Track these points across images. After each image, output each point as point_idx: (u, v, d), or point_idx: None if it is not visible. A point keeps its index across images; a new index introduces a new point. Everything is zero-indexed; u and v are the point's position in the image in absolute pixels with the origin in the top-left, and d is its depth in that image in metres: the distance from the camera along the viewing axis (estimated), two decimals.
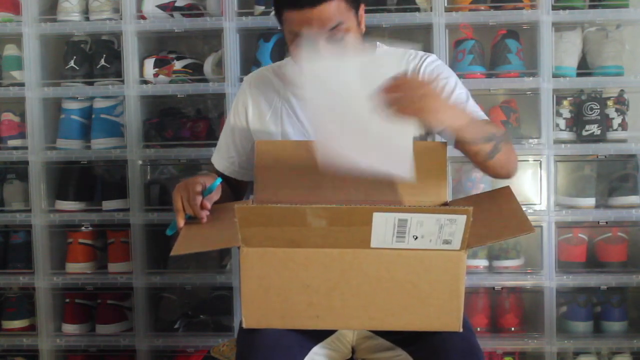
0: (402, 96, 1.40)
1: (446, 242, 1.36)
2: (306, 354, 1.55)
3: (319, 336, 1.59)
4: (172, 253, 1.45)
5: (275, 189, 1.66)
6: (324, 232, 1.36)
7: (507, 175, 1.68)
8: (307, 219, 1.34)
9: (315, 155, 1.55)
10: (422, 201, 1.64)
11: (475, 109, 1.73)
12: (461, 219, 1.31)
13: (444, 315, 1.42)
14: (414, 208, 1.33)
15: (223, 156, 1.90)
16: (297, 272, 1.42)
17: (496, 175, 1.68)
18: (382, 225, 1.34)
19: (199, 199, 1.57)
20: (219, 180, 1.61)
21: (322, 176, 1.62)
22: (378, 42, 1.85)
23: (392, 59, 1.64)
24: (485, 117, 1.73)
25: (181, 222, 1.58)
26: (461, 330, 1.44)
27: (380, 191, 1.62)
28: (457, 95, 1.73)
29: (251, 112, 1.84)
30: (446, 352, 1.44)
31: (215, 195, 1.63)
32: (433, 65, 1.77)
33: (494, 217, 1.50)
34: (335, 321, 1.46)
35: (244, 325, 1.48)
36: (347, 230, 1.36)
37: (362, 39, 1.73)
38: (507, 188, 1.61)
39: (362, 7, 1.73)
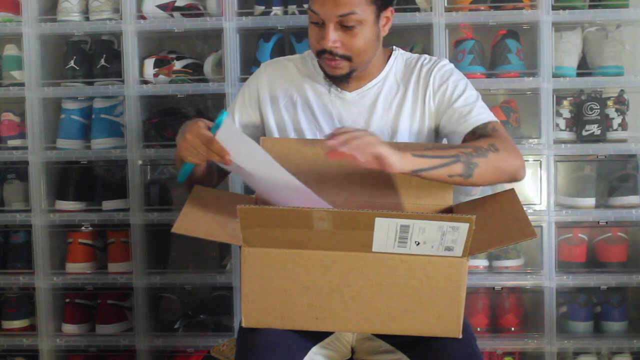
0: (345, 139, 1.46)
1: (448, 248, 1.36)
2: (305, 353, 1.55)
3: (318, 336, 1.58)
4: (173, 230, 1.44)
5: None
6: (326, 234, 1.36)
7: (512, 180, 1.66)
8: (312, 222, 1.34)
9: (318, 153, 1.56)
10: (426, 204, 1.64)
11: (481, 111, 1.72)
12: (464, 227, 1.32)
13: (444, 321, 1.42)
14: (416, 214, 1.33)
15: None
16: (298, 273, 1.42)
17: (496, 182, 1.68)
18: (384, 230, 1.34)
19: (213, 141, 1.51)
20: (225, 114, 1.52)
21: (326, 175, 1.62)
22: (394, 46, 1.85)
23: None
24: (490, 120, 1.72)
25: (195, 161, 1.55)
26: (461, 336, 1.44)
27: (385, 193, 1.62)
28: (467, 97, 1.74)
29: (264, 95, 1.83)
30: (447, 359, 1.45)
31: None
32: (444, 69, 1.78)
33: (497, 222, 1.50)
34: (335, 323, 1.46)
35: (243, 324, 1.49)
36: (349, 234, 1.36)
37: (378, 40, 1.73)
38: (512, 191, 1.61)
39: (390, 10, 1.73)
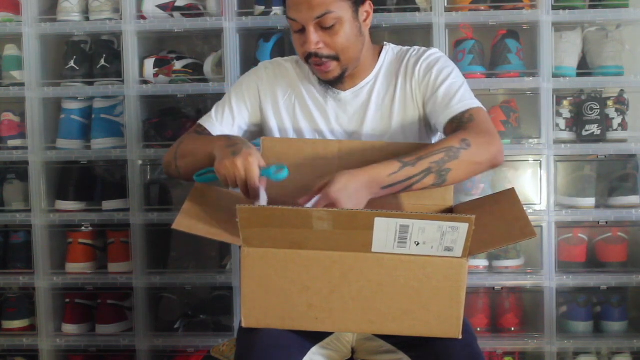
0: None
1: (448, 249, 1.35)
2: (305, 353, 1.55)
3: (318, 336, 1.59)
4: (173, 226, 1.44)
5: (278, 187, 1.65)
6: (326, 234, 1.36)
7: (491, 168, 1.65)
8: (312, 222, 1.34)
9: (319, 153, 1.55)
10: (427, 205, 1.64)
11: (461, 99, 1.69)
12: (463, 227, 1.31)
13: (444, 322, 1.42)
14: (416, 214, 1.33)
15: (223, 124, 1.84)
16: (298, 273, 1.42)
17: (475, 175, 1.67)
18: (384, 230, 1.34)
19: (255, 186, 1.52)
20: (286, 172, 1.54)
21: (328, 176, 1.62)
22: (385, 42, 1.86)
23: None
24: (474, 106, 1.69)
25: (224, 184, 1.54)
26: (461, 337, 1.44)
27: None
28: (449, 85, 1.72)
29: (265, 94, 1.83)
30: (449, 359, 1.45)
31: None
32: (430, 59, 1.77)
33: (497, 222, 1.49)
34: (335, 324, 1.46)
35: (243, 325, 1.48)
36: (349, 234, 1.36)
37: (363, 35, 1.73)
38: (512, 190, 1.60)
39: (369, 4, 1.74)
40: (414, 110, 1.76)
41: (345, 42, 1.68)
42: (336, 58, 1.69)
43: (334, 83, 1.76)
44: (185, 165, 1.71)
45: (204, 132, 1.81)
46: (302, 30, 1.67)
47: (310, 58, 1.69)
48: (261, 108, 1.83)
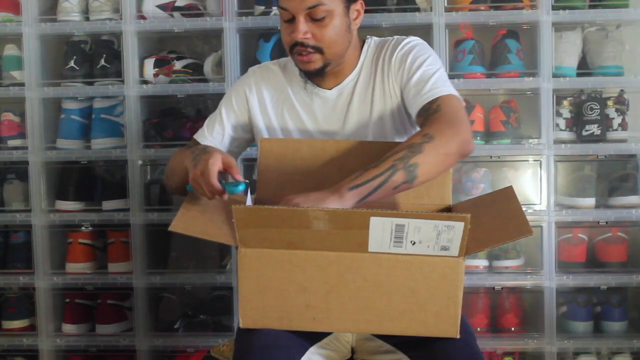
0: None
1: (444, 248, 1.35)
2: (304, 353, 1.55)
3: (316, 336, 1.59)
4: (170, 229, 1.44)
5: (277, 188, 1.66)
6: (322, 234, 1.36)
7: (462, 157, 1.61)
8: (308, 222, 1.34)
9: (316, 153, 1.56)
10: (425, 204, 1.64)
11: (431, 88, 1.67)
12: (459, 226, 1.31)
13: (441, 321, 1.42)
14: (411, 213, 1.33)
15: (213, 135, 1.85)
16: (295, 274, 1.42)
17: (449, 167, 1.64)
18: (380, 229, 1.34)
19: (213, 187, 1.53)
20: (242, 187, 1.55)
21: (325, 175, 1.62)
22: (368, 36, 1.86)
23: None
24: (443, 94, 1.66)
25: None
26: (458, 336, 1.44)
27: None
28: (422, 73, 1.70)
29: (253, 99, 1.84)
30: (448, 359, 1.45)
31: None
32: (405, 48, 1.76)
33: (493, 220, 1.49)
34: (332, 324, 1.46)
35: (241, 325, 1.49)
36: (345, 234, 1.36)
37: (351, 33, 1.74)
38: (509, 188, 1.60)
39: (360, 3, 1.75)
40: (393, 103, 1.76)
41: (333, 35, 1.68)
42: (320, 51, 1.69)
43: (315, 77, 1.76)
44: (173, 183, 1.76)
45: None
46: (292, 20, 1.68)
47: (295, 47, 1.69)
48: (250, 113, 1.84)
